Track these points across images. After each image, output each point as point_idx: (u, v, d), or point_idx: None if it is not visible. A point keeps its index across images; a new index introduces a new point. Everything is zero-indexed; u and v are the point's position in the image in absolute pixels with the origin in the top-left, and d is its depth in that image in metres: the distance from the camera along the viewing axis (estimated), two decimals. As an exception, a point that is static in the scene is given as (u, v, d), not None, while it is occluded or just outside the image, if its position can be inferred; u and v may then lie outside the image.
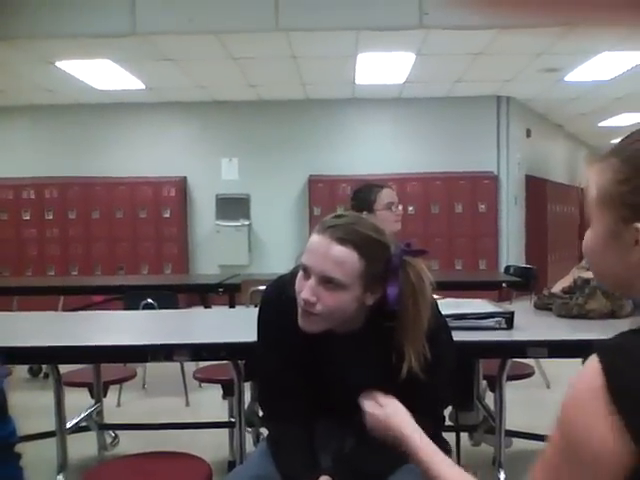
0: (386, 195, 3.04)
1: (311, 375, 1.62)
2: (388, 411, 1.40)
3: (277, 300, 1.64)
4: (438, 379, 1.59)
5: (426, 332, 1.51)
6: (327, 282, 1.46)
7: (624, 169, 0.91)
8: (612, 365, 0.81)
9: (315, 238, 1.49)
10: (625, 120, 9.90)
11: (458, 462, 2.65)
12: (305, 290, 1.47)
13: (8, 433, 1.06)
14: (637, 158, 0.91)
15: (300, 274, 1.52)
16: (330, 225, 1.48)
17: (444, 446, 1.74)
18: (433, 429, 1.62)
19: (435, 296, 1.61)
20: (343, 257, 1.45)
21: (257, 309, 1.75)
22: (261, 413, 2.51)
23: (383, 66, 6.84)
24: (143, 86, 7.59)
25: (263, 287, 3.77)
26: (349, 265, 1.45)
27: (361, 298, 1.49)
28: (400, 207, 3.11)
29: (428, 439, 1.34)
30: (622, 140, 0.97)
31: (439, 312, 1.64)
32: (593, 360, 0.82)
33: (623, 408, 0.78)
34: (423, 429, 1.55)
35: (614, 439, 0.78)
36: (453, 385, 1.70)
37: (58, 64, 6.50)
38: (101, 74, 6.95)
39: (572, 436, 0.83)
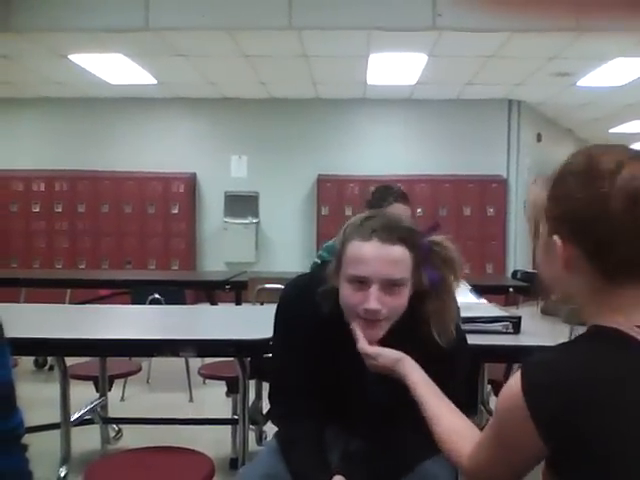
0: (396, 210, 2.86)
1: (327, 378, 1.61)
2: (393, 355, 1.46)
3: (296, 301, 1.63)
4: (452, 380, 1.58)
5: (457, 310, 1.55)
6: (391, 285, 1.45)
7: (549, 185, 1.01)
8: (529, 376, 0.92)
9: (364, 247, 1.45)
10: (636, 127, 9.85)
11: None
12: (371, 301, 1.44)
13: (15, 425, 1.06)
14: (558, 175, 1.02)
15: (349, 287, 1.48)
16: (373, 229, 1.46)
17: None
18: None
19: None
20: (400, 256, 1.45)
21: (263, 307, 1.75)
22: (269, 410, 2.52)
23: (395, 67, 6.83)
24: (154, 81, 7.61)
25: (270, 285, 3.80)
26: (406, 262, 1.46)
27: (410, 289, 1.50)
28: None
29: (429, 379, 1.42)
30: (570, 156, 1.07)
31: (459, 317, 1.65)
32: (515, 380, 0.93)
33: (540, 424, 0.89)
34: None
35: (529, 438, 0.91)
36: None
37: (71, 57, 6.53)
38: (113, 68, 6.97)
39: (497, 423, 0.99)
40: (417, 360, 1.54)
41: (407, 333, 1.52)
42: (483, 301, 2.55)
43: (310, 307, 1.54)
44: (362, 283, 1.45)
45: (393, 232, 1.46)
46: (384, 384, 1.57)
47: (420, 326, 1.51)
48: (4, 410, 1.02)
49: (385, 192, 3.07)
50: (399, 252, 1.45)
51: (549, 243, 0.98)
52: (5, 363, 1.04)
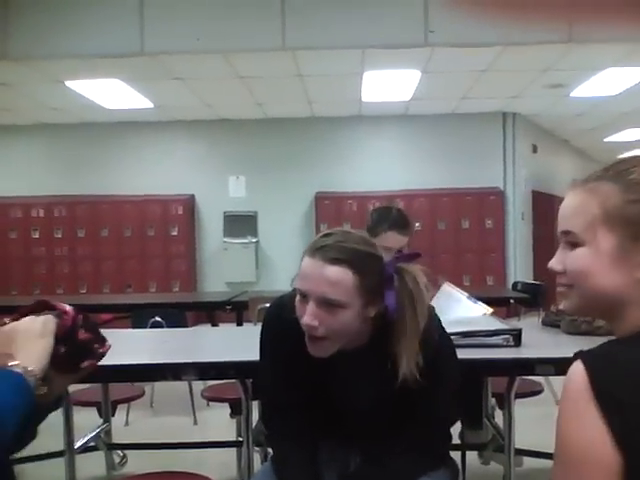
0: (387, 240, 2.72)
1: (316, 394, 1.61)
2: None
3: (278, 320, 1.64)
4: (439, 394, 1.58)
5: (427, 340, 1.51)
6: (327, 304, 1.46)
7: (633, 189, 0.95)
8: (596, 369, 0.85)
9: (307, 262, 1.48)
10: (631, 135, 9.90)
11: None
12: (306, 316, 1.47)
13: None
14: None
15: (298, 299, 1.51)
16: (319, 246, 1.47)
17: (452, 466, 1.73)
18: (434, 446, 1.62)
19: (448, 286, 1.60)
20: (337, 277, 1.44)
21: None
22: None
23: (389, 84, 6.88)
24: (151, 105, 7.66)
25: (270, 305, 3.77)
26: (345, 283, 1.45)
27: (362, 312, 1.49)
28: (405, 250, 2.73)
29: None
30: (607, 168, 1.01)
31: (442, 327, 1.64)
32: (577, 366, 0.86)
33: (606, 410, 0.82)
34: (423, 446, 1.55)
35: (599, 440, 0.82)
36: (461, 403, 1.70)
37: (67, 83, 6.58)
38: (110, 93, 7.02)
39: (562, 439, 0.86)
40: (391, 378, 1.50)
41: (379, 352, 1.52)
42: (481, 306, 2.54)
43: (293, 326, 1.54)
44: (304, 297, 1.48)
45: (339, 253, 1.45)
46: (368, 391, 1.58)
47: (383, 355, 1.50)
48: None
49: (381, 217, 2.88)
50: (337, 273, 1.44)
51: (628, 249, 0.94)
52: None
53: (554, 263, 1.06)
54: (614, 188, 0.96)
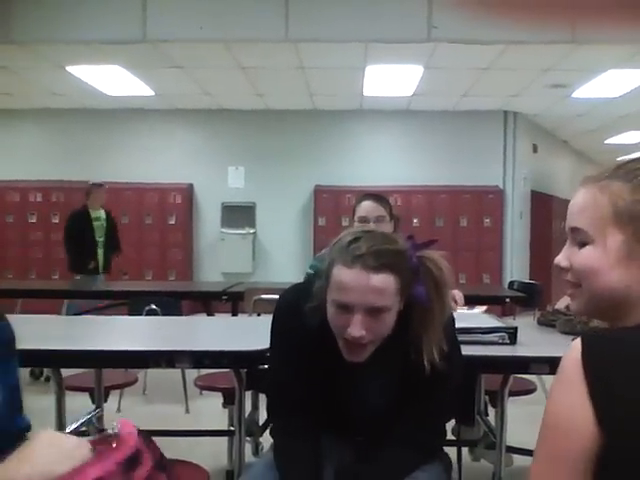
0: (362, 208, 2.90)
1: (324, 389, 1.61)
2: None
3: (293, 311, 1.61)
4: (441, 389, 1.59)
5: (448, 325, 1.54)
6: (375, 312, 1.45)
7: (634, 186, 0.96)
8: (591, 346, 0.86)
9: (347, 273, 1.43)
10: (632, 138, 9.90)
11: (459, 477, 2.64)
12: (354, 327, 1.44)
13: (26, 426, 1.07)
14: None
15: (335, 310, 1.48)
16: (356, 255, 1.44)
17: (446, 460, 1.74)
18: (430, 441, 1.63)
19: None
20: (384, 284, 1.43)
21: (259, 318, 1.75)
22: (266, 422, 2.52)
23: (391, 78, 6.86)
24: (152, 92, 7.63)
25: (266, 296, 3.80)
26: (390, 289, 1.44)
27: (397, 310, 1.50)
28: (372, 224, 2.81)
29: None
30: (618, 167, 1.01)
31: (454, 329, 1.65)
32: (576, 342, 0.88)
33: (593, 385, 0.83)
34: (418, 440, 1.56)
35: (581, 413, 0.83)
36: (455, 399, 1.70)
37: (69, 69, 6.55)
38: (111, 80, 7.00)
39: (548, 406, 0.89)
40: (398, 378, 1.55)
41: (393, 348, 1.53)
42: (478, 310, 2.55)
43: (303, 320, 1.54)
44: (346, 309, 1.45)
45: (378, 258, 1.43)
46: (378, 389, 1.58)
47: (406, 343, 1.51)
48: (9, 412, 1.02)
49: (359, 195, 3.05)
50: (383, 280, 1.43)
51: (634, 248, 0.95)
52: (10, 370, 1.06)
53: (560, 259, 1.05)
54: (625, 187, 0.96)
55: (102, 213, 6.55)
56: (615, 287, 0.96)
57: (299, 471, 1.55)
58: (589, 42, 5.21)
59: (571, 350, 0.87)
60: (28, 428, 1.08)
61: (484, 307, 2.59)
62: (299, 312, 1.56)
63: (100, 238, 6.51)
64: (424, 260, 1.50)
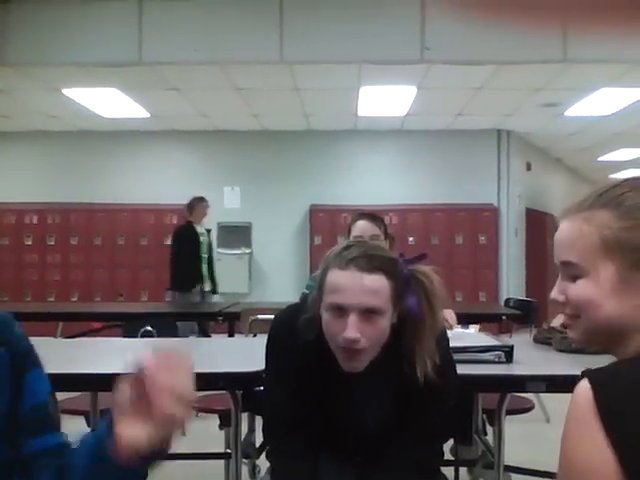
0: (358, 228, 2.94)
1: (321, 409, 1.60)
2: None
3: (287, 330, 1.61)
4: (438, 409, 1.59)
5: (441, 340, 1.55)
6: (369, 314, 1.44)
7: (629, 216, 0.95)
8: (601, 386, 0.84)
9: (341, 275, 1.45)
10: (624, 155, 9.98)
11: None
12: (350, 329, 1.43)
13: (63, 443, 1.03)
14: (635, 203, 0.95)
15: (330, 316, 1.48)
16: (350, 258, 1.46)
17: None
18: (428, 461, 1.62)
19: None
20: (377, 285, 1.45)
21: (255, 338, 1.74)
22: (263, 444, 2.50)
23: (385, 99, 6.92)
24: (148, 114, 7.67)
25: (263, 316, 3.79)
26: (383, 291, 1.45)
27: (390, 319, 1.49)
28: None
29: None
30: (600, 194, 1.00)
31: (448, 344, 1.65)
32: (583, 383, 0.86)
33: (610, 428, 0.81)
34: (416, 461, 1.56)
35: (600, 455, 0.81)
36: (453, 418, 1.70)
37: (64, 91, 6.58)
38: (106, 102, 7.03)
39: (565, 453, 0.86)
40: (396, 394, 1.55)
41: (387, 365, 1.53)
42: (470, 329, 2.55)
43: (298, 339, 1.53)
44: (340, 311, 1.45)
45: (371, 261, 1.46)
46: (374, 408, 1.58)
47: (400, 359, 1.51)
48: (37, 430, 0.99)
49: (354, 215, 3.08)
50: (377, 280, 1.45)
51: (627, 278, 0.94)
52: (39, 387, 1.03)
53: (555, 294, 1.04)
54: (610, 216, 0.96)
55: (204, 229, 6.36)
56: (612, 316, 0.95)
57: None
58: (581, 61, 5.27)
59: (579, 392, 0.85)
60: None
61: (477, 326, 2.60)
62: (294, 331, 1.56)
63: (205, 254, 6.31)
64: (415, 273, 1.52)
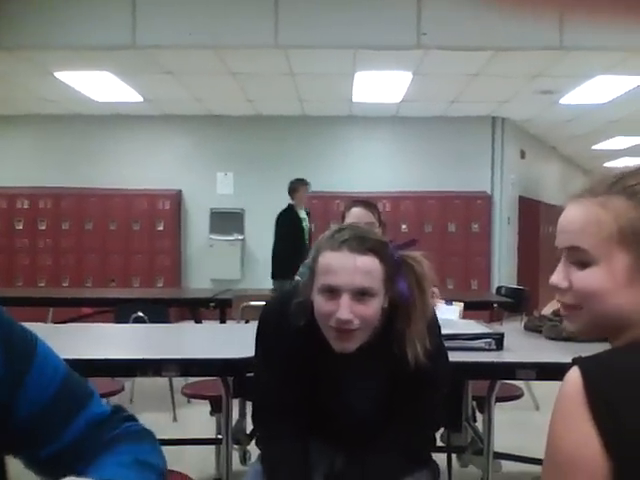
0: (352, 215, 2.97)
1: (310, 395, 1.60)
2: None
3: (277, 316, 1.62)
4: (430, 395, 1.60)
5: (432, 324, 1.57)
6: (361, 295, 1.46)
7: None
8: (591, 374, 0.84)
9: (333, 256, 1.47)
10: (619, 143, 9.98)
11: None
12: (342, 310, 1.44)
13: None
14: None
15: (322, 298, 1.48)
16: (343, 240, 1.48)
17: (433, 467, 1.73)
18: (419, 448, 1.63)
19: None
20: (370, 266, 1.46)
21: (247, 325, 1.74)
22: (252, 431, 2.50)
23: (380, 85, 6.88)
24: (141, 99, 7.61)
25: (255, 302, 3.79)
26: (375, 271, 1.47)
27: (382, 302, 1.50)
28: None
29: None
30: (618, 179, 0.96)
31: (439, 330, 1.66)
32: (573, 371, 0.85)
33: (598, 415, 0.81)
34: (408, 447, 1.56)
35: (587, 444, 0.81)
36: (444, 406, 1.70)
37: (57, 75, 6.52)
38: (100, 86, 6.97)
39: (552, 441, 0.86)
40: (386, 379, 1.55)
41: (378, 350, 1.53)
42: (454, 306, 2.56)
43: (288, 324, 1.54)
44: (333, 292, 1.46)
45: (363, 242, 1.47)
46: (364, 392, 1.58)
47: (391, 343, 1.52)
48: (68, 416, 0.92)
49: (348, 201, 3.12)
50: (369, 261, 1.46)
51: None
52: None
53: (559, 280, 0.98)
54: (627, 204, 0.92)
55: (305, 212, 6.05)
56: (623, 309, 0.92)
57: (287, 475, 1.54)
58: (578, 48, 5.24)
59: (569, 380, 0.85)
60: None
61: (461, 304, 2.61)
62: (284, 317, 1.56)
63: (307, 241, 5.91)
64: (405, 257, 1.53)
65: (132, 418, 0.99)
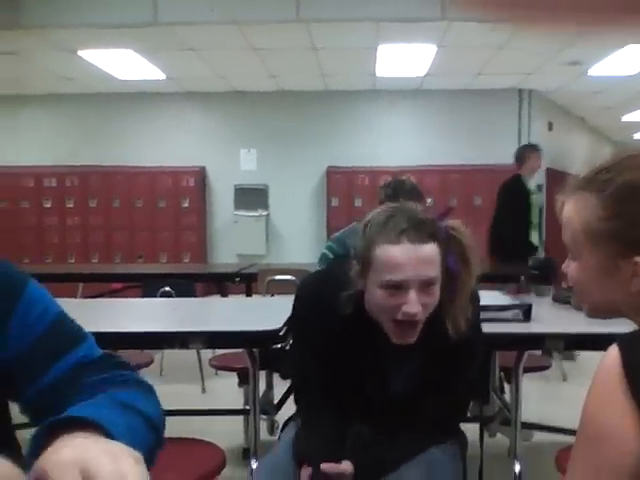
0: None
1: (348, 373, 1.59)
2: None
3: (316, 297, 1.60)
4: (467, 368, 1.60)
5: (474, 295, 1.54)
6: (428, 285, 1.42)
7: (610, 205, 0.92)
8: (630, 351, 0.83)
9: (395, 250, 1.39)
10: (649, 114, 9.75)
11: (481, 454, 2.63)
12: (412, 305, 1.40)
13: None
14: (622, 194, 0.92)
15: (384, 293, 1.43)
16: (400, 230, 1.41)
17: (462, 438, 1.73)
18: (449, 419, 1.63)
19: None
20: (432, 254, 1.42)
21: (272, 298, 1.75)
22: (279, 401, 2.53)
23: (404, 58, 6.79)
24: (164, 76, 7.62)
25: (280, 277, 3.81)
26: (436, 258, 1.43)
27: (440, 284, 1.47)
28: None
29: None
30: (595, 173, 0.97)
31: (479, 301, 1.63)
32: (613, 348, 0.84)
33: (636, 392, 0.80)
34: (437, 419, 1.56)
35: (623, 418, 0.81)
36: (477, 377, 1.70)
37: (80, 53, 6.54)
38: (122, 64, 6.99)
39: (587, 414, 0.85)
40: (426, 356, 1.54)
41: (422, 330, 1.50)
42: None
43: (329, 305, 1.51)
44: (398, 288, 1.41)
45: (420, 229, 1.41)
46: (405, 373, 1.57)
47: (433, 319, 1.48)
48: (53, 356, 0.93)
49: (396, 190, 2.93)
50: (430, 250, 1.41)
51: (616, 265, 0.93)
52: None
53: (564, 266, 1.05)
54: (594, 203, 0.94)
55: (535, 185, 5.27)
56: (607, 300, 0.96)
57: (319, 438, 1.54)
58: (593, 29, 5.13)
59: (608, 357, 0.84)
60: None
61: None
62: (322, 299, 1.54)
63: (534, 219, 5.12)
64: (451, 230, 1.48)
65: (126, 366, 0.99)
